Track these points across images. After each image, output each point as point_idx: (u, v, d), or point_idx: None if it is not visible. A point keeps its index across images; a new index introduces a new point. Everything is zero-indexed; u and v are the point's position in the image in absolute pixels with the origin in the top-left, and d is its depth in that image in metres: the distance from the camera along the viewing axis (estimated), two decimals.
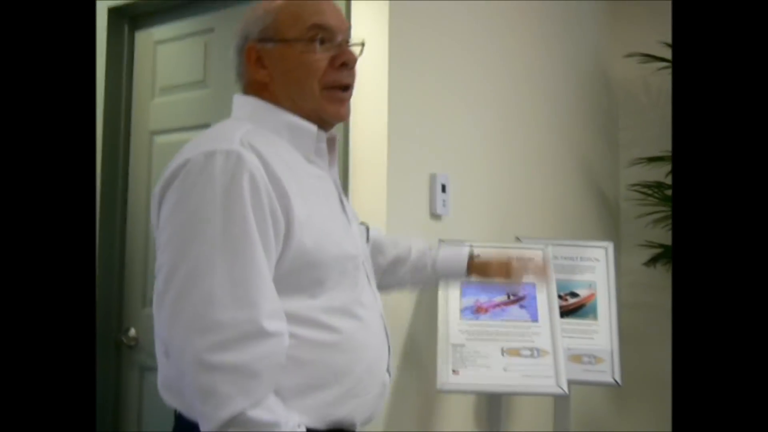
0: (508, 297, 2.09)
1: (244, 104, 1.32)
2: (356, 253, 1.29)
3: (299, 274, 1.19)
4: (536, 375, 1.99)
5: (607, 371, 2.36)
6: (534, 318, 2.10)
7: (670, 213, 3.36)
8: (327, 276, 1.22)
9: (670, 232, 3.36)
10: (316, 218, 1.21)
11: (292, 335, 1.16)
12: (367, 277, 1.34)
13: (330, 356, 1.21)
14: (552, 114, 3.14)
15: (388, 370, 1.34)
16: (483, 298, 2.08)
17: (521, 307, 2.11)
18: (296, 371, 1.17)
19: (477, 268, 1.68)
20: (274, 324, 1.12)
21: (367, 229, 1.50)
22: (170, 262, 1.12)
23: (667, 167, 3.38)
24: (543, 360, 2.01)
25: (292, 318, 1.17)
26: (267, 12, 1.30)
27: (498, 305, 2.09)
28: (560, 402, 2.32)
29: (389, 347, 1.35)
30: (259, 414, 1.09)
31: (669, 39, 3.40)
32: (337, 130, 1.41)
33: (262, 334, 1.10)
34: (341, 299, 1.24)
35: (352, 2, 2.15)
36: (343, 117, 1.33)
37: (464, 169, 2.47)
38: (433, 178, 2.28)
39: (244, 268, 1.10)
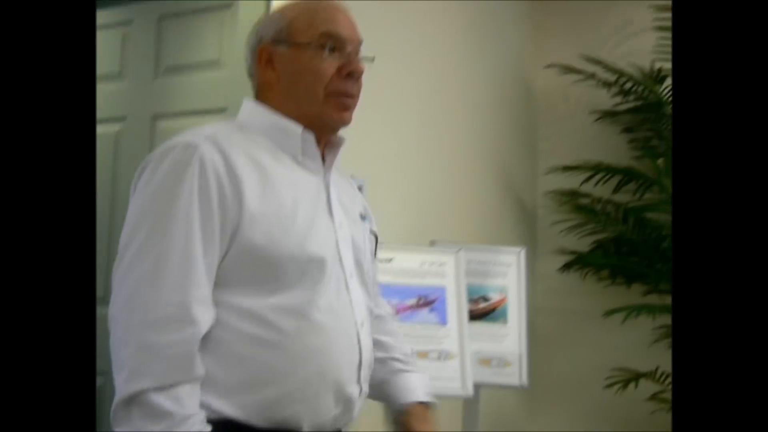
0: (418, 300, 2.12)
1: (244, 108, 1.38)
2: (321, 255, 1.26)
3: (249, 269, 1.21)
4: (443, 378, 2.01)
5: (515, 374, 2.41)
6: (443, 321, 2.13)
7: (583, 221, 3.46)
8: (281, 274, 1.22)
9: (583, 240, 3.46)
10: (275, 216, 1.22)
11: (236, 329, 1.19)
12: (346, 283, 1.31)
13: (271, 355, 1.20)
14: (471, 121, 3.19)
15: (359, 383, 1.31)
16: (394, 301, 2.10)
17: (431, 310, 2.14)
18: (237, 366, 1.19)
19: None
20: (200, 312, 1.15)
21: (376, 239, 1.48)
22: (121, 245, 1.20)
23: (583, 176, 3.48)
24: (450, 363, 2.04)
25: (238, 312, 1.20)
26: (283, 15, 1.35)
27: (408, 308, 2.11)
28: (469, 404, 2.36)
29: (361, 359, 1.31)
30: (161, 400, 1.10)
31: (588, 52, 3.51)
32: None
33: (186, 319, 1.14)
34: (294, 300, 1.22)
35: (272, 2, 2.14)
36: (346, 121, 1.35)
37: (381, 173, 2.49)
38: None
39: (182, 254, 1.16)
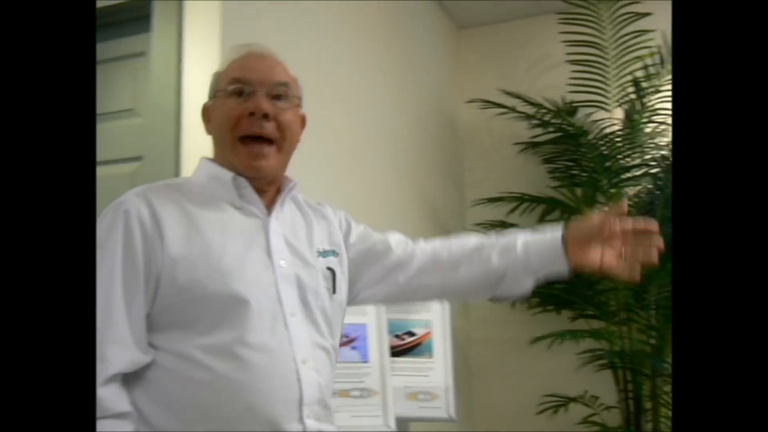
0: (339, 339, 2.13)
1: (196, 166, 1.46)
2: (247, 294, 1.27)
3: (178, 311, 1.26)
4: (364, 415, 2.03)
5: (442, 407, 2.43)
6: (364, 359, 2.15)
7: None
8: (206, 314, 1.25)
9: None
10: (200, 257, 1.27)
11: (169, 370, 1.24)
12: (285, 320, 1.31)
13: (201, 394, 1.23)
14: (398, 156, 3.25)
15: (302, 420, 1.28)
16: None
17: (352, 348, 2.15)
18: (169, 407, 1.24)
19: (575, 242, 1.40)
20: (110, 350, 1.21)
21: (333, 276, 1.44)
22: None
23: (509, 206, 3.56)
24: (372, 400, 2.05)
25: (171, 353, 1.25)
26: (214, 74, 1.45)
27: None
28: None
29: (302, 396, 1.29)
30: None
31: (508, 86, 3.62)
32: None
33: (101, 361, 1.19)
34: (221, 339, 1.25)
35: (184, 51, 2.16)
36: (258, 169, 1.36)
37: None
38: None
39: (103, 301, 1.22)
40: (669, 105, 3.30)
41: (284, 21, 2.45)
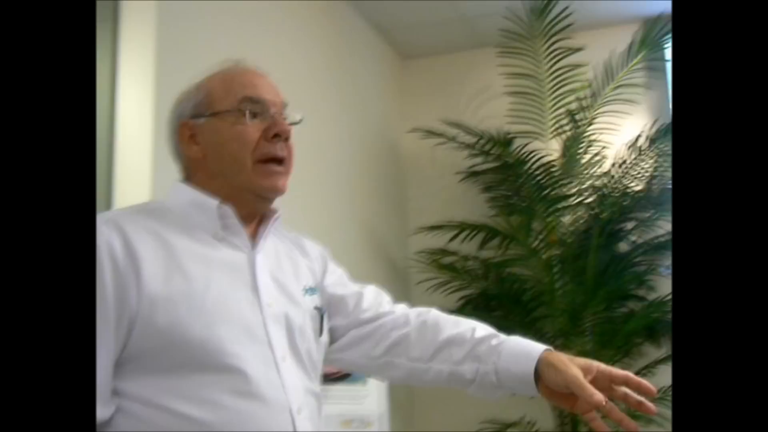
0: None
1: (170, 189, 1.30)
2: (236, 338, 1.14)
3: (156, 357, 1.10)
4: None
5: None
6: None
7: (448, 279, 3.59)
8: (189, 360, 1.10)
9: (450, 296, 3.57)
10: (181, 296, 1.11)
11: (141, 421, 1.08)
12: (277, 366, 1.18)
13: None
14: (341, 184, 3.28)
15: None
16: None
17: None
18: None
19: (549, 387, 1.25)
20: None
21: (321, 317, 1.33)
22: None
23: (450, 234, 3.62)
24: None
25: (145, 403, 1.09)
26: (200, 88, 1.28)
27: None
28: None
29: None
30: None
31: (450, 115, 3.69)
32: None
33: None
34: (208, 387, 1.10)
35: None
36: (280, 189, 1.27)
37: None
38: None
39: None
40: (603, 136, 3.41)
41: (225, 52, 2.48)
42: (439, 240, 3.70)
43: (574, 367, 1.19)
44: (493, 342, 1.29)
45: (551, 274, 3.35)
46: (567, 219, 3.44)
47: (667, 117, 3.55)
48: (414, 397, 3.75)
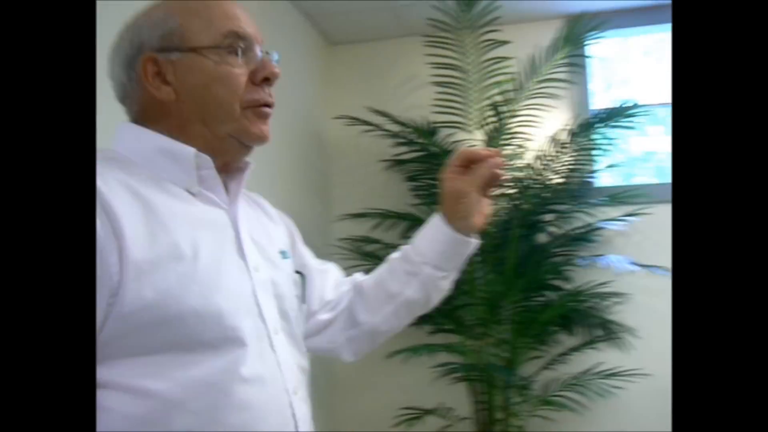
0: None
1: (119, 134, 1.09)
2: (235, 309, 0.99)
3: (142, 336, 0.91)
4: None
5: None
6: None
7: (371, 266, 3.58)
8: (183, 338, 0.93)
9: None
10: (172, 262, 0.94)
11: (123, 415, 0.91)
12: (270, 341, 1.04)
13: None
14: (261, 169, 3.23)
15: None
16: None
17: None
18: None
19: (453, 205, 1.30)
20: None
21: (303, 281, 1.22)
22: None
23: (373, 222, 3.63)
24: None
25: (127, 392, 0.91)
26: (168, 15, 1.06)
27: None
28: None
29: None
30: None
31: (376, 103, 3.69)
32: None
33: None
34: (205, 371, 0.94)
35: None
36: (267, 138, 1.12)
37: None
38: None
39: None
40: (526, 129, 3.47)
41: None
42: (362, 227, 3.70)
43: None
44: (401, 253, 1.34)
45: (472, 263, 3.40)
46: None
47: (587, 112, 3.64)
48: (335, 384, 3.75)
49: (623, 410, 3.47)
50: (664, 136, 3.81)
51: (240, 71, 1.07)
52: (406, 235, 3.59)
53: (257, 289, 1.05)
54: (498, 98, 3.47)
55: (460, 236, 1.30)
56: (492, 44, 3.41)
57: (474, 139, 3.51)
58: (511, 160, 3.49)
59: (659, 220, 3.40)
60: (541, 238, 3.50)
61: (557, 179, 3.48)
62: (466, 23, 3.39)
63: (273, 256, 1.14)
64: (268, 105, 1.11)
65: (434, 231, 1.31)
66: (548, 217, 3.50)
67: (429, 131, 3.49)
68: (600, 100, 3.79)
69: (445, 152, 3.46)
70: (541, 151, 3.52)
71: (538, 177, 3.48)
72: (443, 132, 3.52)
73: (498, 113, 3.45)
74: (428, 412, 3.38)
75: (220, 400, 0.94)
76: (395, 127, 3.59)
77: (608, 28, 3.54)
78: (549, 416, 3.35)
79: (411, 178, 3.68)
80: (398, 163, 3.72)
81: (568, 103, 3.70)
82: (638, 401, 3.43)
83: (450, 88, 3.49)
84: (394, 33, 3.94)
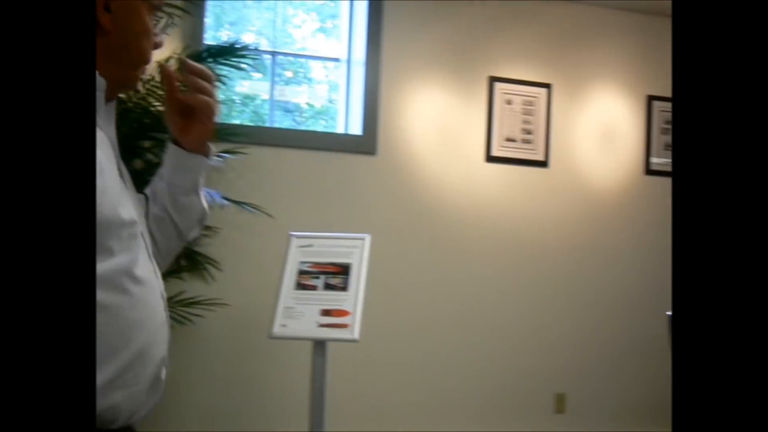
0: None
1: None
2: (131, 220, 1.10)
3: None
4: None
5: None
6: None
7: None
8: (98, 243, 1.00)
9: None
10: (99, 177, 1.03)
11: None
12: (147, 250, 1.16)
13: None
14: None
15: (164, 363, 1.15)
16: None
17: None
18: None
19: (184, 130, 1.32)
20: None
21: (147, 200, 1.30)
22: None
23: None
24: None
25: None
26: None
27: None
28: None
29: (168, 336, 1.18)
30: None
31: None
32: None
33: None
34: (110, 270, 1.04)
35: None
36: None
37: None
38: None
39: None
40: None
41: None
42: None
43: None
44: (151, 190, 1.37)
45: None
46: None
47: (200, 45, 3.65)
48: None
49: (201, 337, 3.63)
50: (265, 83, 4.02)
51: (152, 33, 1.19)
52: None
53: (135, 204, 1.19)
54: None
55: (182, 151, 1.34)
56: None
57: None
58: None
59: (252, 161, 3.60)
60: (138, 164, 3.44)
61: (160, 107, 3.44)
62: None
63: (125, 173, 1.24)
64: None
65: (168, 151, 1.37)
66: (147, 143, 3.45)
67: None
68: (213, 36, 3.84)
69: None
70: (148, 76, 3.44)
71: (140, 102, 3.40)
72: None
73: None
74: None
75: (122, 297, 1.05)
76: None
77: None
78: None
79: None
80: None
81: (181, 32, 3.67)
82: (215, 329, 3.63)
83: None
84: None
